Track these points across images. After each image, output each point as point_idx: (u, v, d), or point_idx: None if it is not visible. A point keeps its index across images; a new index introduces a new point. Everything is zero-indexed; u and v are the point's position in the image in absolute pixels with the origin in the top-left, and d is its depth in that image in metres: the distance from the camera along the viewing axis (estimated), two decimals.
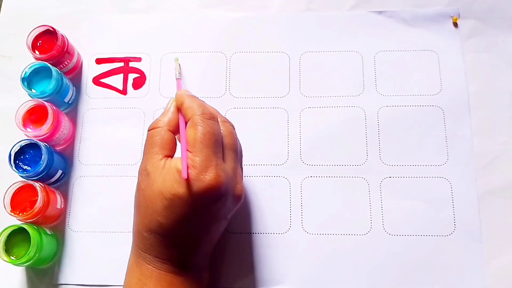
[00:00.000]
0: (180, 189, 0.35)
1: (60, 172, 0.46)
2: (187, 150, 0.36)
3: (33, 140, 0.44)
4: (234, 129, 0.41)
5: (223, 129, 0.39)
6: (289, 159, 0.47)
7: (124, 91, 0.50)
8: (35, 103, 0.45)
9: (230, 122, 0.40)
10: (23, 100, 0.45)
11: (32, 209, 0.42)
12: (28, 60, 0.48)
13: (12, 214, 0.42)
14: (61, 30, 0.49)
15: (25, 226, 0.42)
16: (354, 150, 0.47)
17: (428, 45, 0.50)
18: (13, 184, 0.43)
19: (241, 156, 0.42)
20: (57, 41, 0.48)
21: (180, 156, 0.37)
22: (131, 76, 0.51)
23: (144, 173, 0.37)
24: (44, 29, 0.48)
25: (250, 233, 0.45)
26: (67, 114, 0.50)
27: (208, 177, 0.35)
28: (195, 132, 0.36)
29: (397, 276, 0.43)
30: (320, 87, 0.49)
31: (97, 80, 0.51)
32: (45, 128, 0.45)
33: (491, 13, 0.50)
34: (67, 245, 0.46)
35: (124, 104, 0.50)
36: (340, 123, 0.48)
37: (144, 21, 0.53)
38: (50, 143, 0.46)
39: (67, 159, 0.48)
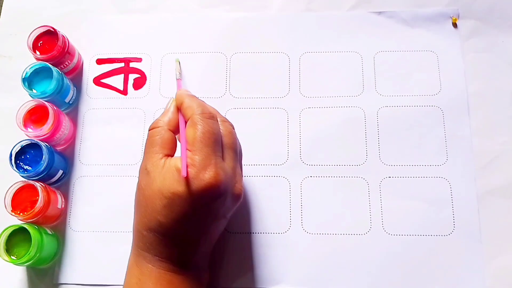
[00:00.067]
0: (180, 188, 0.35)
1: (60, 172, 0.46)
2: (186, 149, 0.37)
3: (33, 140, 0.44)
4: (234, 128, 0.41)
5: (222, 128, 0.39)
6: (289, 159, 0.47)
7: (124, 92, 0.51)
8: (35, 103, 0.46)
9: (229, 121, 0.41)
10: (24, 100, 0.46)
11: (33, 209, 0.42)
12: (28, 60, 0.48)
13: (13, 214, 0.42)
14: (61, 30, 0.49)
15: (25, 226, 0.42)
16: (354, 150, 0.47)
17: (428, 45, 0.50)
18: (14, 184, 0.43)
19: (241, 155, 0.42)
20: (57, 41, 0.48)
21: (180, 155, 0.37)
22: (132, 77, 0.51)
23: (144, 172, 0.37)
24: (45, 30, 0.48)
25: (250, 233, 0.45)
26: (67, 114, 0.50)
27: (207, 176, 0.35)
28: (194, 131, 0.37)
29: (397, 276, 0.43)
30: (320, 87, 0.49)
31: (97, 81, 0.51)
32: (45, 128, 0.45)
33: (491, 13, 0.50)
34: (68, 245, 0.46)
35: (124, 105, 0.50)
36: (340, 123, 0.48)
37: (144, 21, 0.53)
38: (51, 143, 0.46)
39: (68, 159, 0.48)
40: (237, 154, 0.40)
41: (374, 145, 0.47)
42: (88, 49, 0.52)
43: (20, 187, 0.43)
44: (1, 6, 0.55)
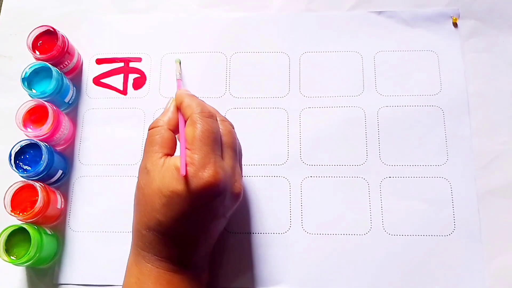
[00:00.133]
0: (179, 186, 0.35)
1: (60, 172, 0.46)
2: (186, 148, 0.37)
3: (33, 140, 0.44)
4: (233, 128, 0.41)
5: (222, 127, 0.39)
6: (289, 159, 0.47)
7: (124, 91, 0.51)
8: (35, 103, 0.46)
9: (229, 121, 0.41)
10: (23, 100, 0.46)
11: (33, 209, 0.42)
12: (28, 60, 0.48)
13: (13, 214, 0.42)
14: (61, 30, 0.49)
15: (25, 226, 0.42)
16: (354, 150, 0.47)
17: (428, 45, 0.50)
18: (14, 184, 0.43)
19: (241, 155, 0.42)
20: (57, 41, 0.48)
21: (180, 154, 0.37)
22: (132, 76, 0.51)
23: (144, 171, 0.37)
24: (44, 29, 0.48)
25: (250, 233, 0.45)
26: (67, 114, 0.50)
27: (206, 174, 0.35)
28: (193, 130, 0.37)
29: (397, 276, 0.43)
30: (320, 87, 0.49)
31: (97, 80, 0.51)
32: (45, 128, 0.45)
33: (491, 13, 0.50)
34: (67, 245, 0.46)
35: (124, 104, 0.50)
36: (340, 123, 0.48)
37: (144, 21, 0.53)
38: (51, 143, 0.46)
39: (68, 159, 0.48)
40: (236, 153, 0.40)
41: (374, 145, 0.47)
42: (87, 49, 0.52)
43: (19, 187, 0.43)
44: (1, 6, 0.55)
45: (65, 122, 0.47)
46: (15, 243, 0.42)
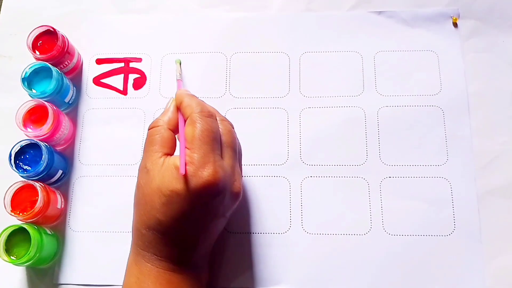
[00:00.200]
0: (178, 185, 0.35)
1: (60, 172, 0.46)
2: (185, 147, 0.37)
3: (33, 140, 0.44)
4: (233, 127, 0.41)
5: (221, 127, 0.39)
6: (289, 159, 0.47)
7: (124, 92, 0.51)
8: (35, 103, 0.46)
9: (228, 120, 0.41)
10: (24, 100, 0.46)
11: (33, 209, 0.42)
12: (28, 60, 0.48)
13: (13, 214, 0.42)
14: (61, 30, 0.49)
15: (25, 226, 0.42)
16: (354, 150, 0.47)
17: (428, 45, 0.50)
18: (14, 184, 0.43)
19: (240, 155, 0.42)
20: (57, 41, 0.48)
21: (179, 154, 0.37)
22: (132, 77, 0.51)
23: (143, 170, 0.37)
24: (44, 29, 0.48)
25: (250, 233, 0.45)
26: (67, 114, 0.50)
27: (206, 173, 0.35)
28: (193, 129, 0.37)
29: (397, 276, 0.43)
30: (320, 87, 0.49)
31: (97, 80, 0.51)
32: (45, 128, 0.45)
33: (491, 13, 0.50)
34: (68, 245, 0.46)
35: (124, 105, 0.50)
36: (340, 123, 0.48)
37: (144, 21, 0.53)
38: (51, 143, 0.46)
39: (68, 159, 0.48)
40: (236, 152, 0.40)
41: (374, 145, 0.47)
42: (88, 49, 0.52)
43: (19, 187, 0.43)
44: (1, 6, 0.55)
45: (65, 122, 0.47)
46: (15, 243, 0.42)
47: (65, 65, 0.49)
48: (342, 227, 0.45)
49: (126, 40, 0.52)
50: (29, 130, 0.45)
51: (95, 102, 0.50)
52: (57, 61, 0.48)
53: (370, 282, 0.43)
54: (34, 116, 0.46)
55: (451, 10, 0.51)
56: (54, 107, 0.46)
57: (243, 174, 0.43)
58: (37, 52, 0.48)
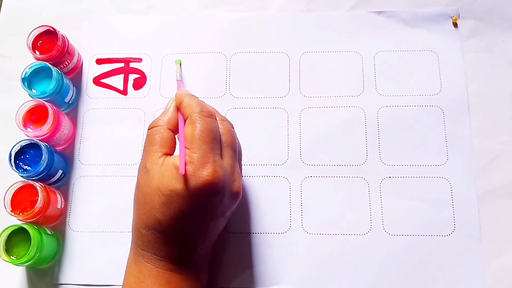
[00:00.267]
0: (178, 185, 0.35)
1: (60, 172, 0.46)
2: (185, 147, 0.37)
3: (33, 140, 0.44)
4: (233, 127, 0.41)
5: (221, 127, 0.39)
6: (289, 159, 0.47)
7: (124, 92, 0.51)
8: (35, 103, 0.46)
9: (228, 120, 0.41)
10: (24, 100, 0.46)
11: (33, 209, 0.42)
12: (28, 60, 0.48)
13: (13, 214, 0.42)
14: (61, 30, 0.49)
15: (25, 226, 0.42)
16: (354, 150, 0.47)
17: (428, 45, 0.50)
18: (14, 184, 0.43)
19: (240, 154, 0.42)
20: (57, 41, 0.48)
21: (179, 154, 0.37)
22: (132, 77, 0.51)
23: (143, 170, 0.37)
24: (44, 29, 0.48)
25: (250, 233, 0.45)
26: (67, 114, 0.50)
27: (205, 173, 0.35)
28: (193, 129, 0.37)
29: (397, 276, 0.43)
30: (320, 87, 0.49)
31: (97, 81, 0.51)
32: (45, 128, 0.45)
33: (491, 13, 0.50)
34: (68, 245, 0.46)
35: (124, 105, 0.50)
36: (340, 123, 0.48)
37: (144, 21, 0.53)
38: (51, 143, 0.46)
39: (68, 159, 0.48)
40: (235, 152, 0.40)
41: (374, 145, 0.47)
42: (88, 49, 0.52)
43: (19, 187, 0.43)
44: (1, 6, 0.55)
45: (65, 122, 0.47)
46: (15, 243, 0.42)
47: (65, 65, 0.49)
48: (342, 227, 0.45)
49: (126, 40, 0.52)
50: (29, 130, 0.45)
51: (95, 102, 0.50)
52: (57, 61, 0.48)
53: (370, 282, 0.43)
54: (34, 116, 0.46)
55: (451, 10, 0.51)
56: (54, 107, 0.46)
57: (243, 174, 0.43)
58: (37, 52, 0.48)
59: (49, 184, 0.46)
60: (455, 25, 0.50)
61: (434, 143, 0.46)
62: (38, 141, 0.44)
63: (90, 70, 0.51)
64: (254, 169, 0.47)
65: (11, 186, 0.43)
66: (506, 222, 0.44)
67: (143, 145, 0.47)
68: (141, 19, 0.53)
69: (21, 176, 0.44)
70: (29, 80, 0.47)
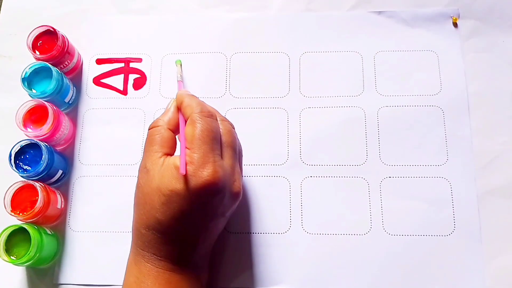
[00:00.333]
0: (178, 185, 0.35)
1: (60, 172, 0.46)
2: (185, 147, 0.37)
3: (33, 140, 0.44)
4: (233, 128, 0.41)
5: (221, 127, 0.39)
6: (289, 159, 0.47)
7: (124, 92, 0.51)
8: (35, 103, 0.46)
9: (228, 121, 0.41)
10: (24, 100, 0.46)
11: (33, 209, 0.42)
12: (28, 60, 0.48)
13: (13, 214, 0.42)
14: (61, 30, 0.49)
15: (25, 226, 0.42)
16: (354, 150, 0.47)
17: (428, 45, 0.50)
18: (14, 184, 0.43)
19: (241, 155, 0.42)
20: (57, 41, 0.48)
21: (179, 154, 0.37)
22: (132, 77, 0.51)
23: (143, 170, 0.37)
24: (44, 29, 0.48)
25: (250, 233, 0.45)
26: (67, 114, 0.50)
27: (205, 173, 0.35)
28: (193, 129, 0.37)
29: (397, 276, 0.43)
30: (320, 87, 0.49)
31: (97, 81, 0.51)
32: (45, 128, 0.45)
33: (491, 13, 0.50)
34: (68, 245, 0.46)
35: (124, 105, 0.50)
36: (340, 123, 0.48)
37: (144, 21, 0.53)
38: (51, 143, 0.46)
39: (68, 159, 0.48)
40: (236, 152, 0.40)
41: (374, 145, 0.47)
42: (88, 49, 0.52)
43: (19, 187, 0.43)
44: (1, 6, 0.55)
45: (65, 122, 0.47)
46: (15, 243, 0.42)
47: (65, 65, 0.49)
48: (342, 227, 0.45)
49: (126, 40, 0.52)
50: (29, 130, 0.45)
51: (95, 102, 0.50)
52: (57, 61, 0.48)
53: (370, 282, 0.43)
54: (34, 116, 0.46)
55: (451, 10, 0.51)
56: (54, 107, 0.46)
57: (243, 174, 0.43)
58: (37, 52, 0.48)
59: (49, 184, 0.46)
60: (455, 25, 0.50)
61: (434, 143, 0.46)
62: (38, 141, 0.44)
63: (90, 70, 0.51)
64: (254, 169, 0.47)
65: (11, 186, 0.43)
66: (506, 222, 0.44)
67: (143, 145, 0.47)
68: (141, 19, 0.53)
69: (21, 176, 0.44)
70: (29, 80, 0.47)
